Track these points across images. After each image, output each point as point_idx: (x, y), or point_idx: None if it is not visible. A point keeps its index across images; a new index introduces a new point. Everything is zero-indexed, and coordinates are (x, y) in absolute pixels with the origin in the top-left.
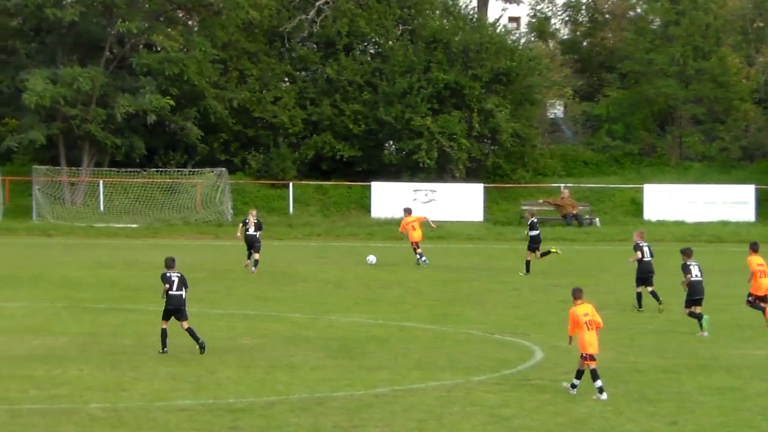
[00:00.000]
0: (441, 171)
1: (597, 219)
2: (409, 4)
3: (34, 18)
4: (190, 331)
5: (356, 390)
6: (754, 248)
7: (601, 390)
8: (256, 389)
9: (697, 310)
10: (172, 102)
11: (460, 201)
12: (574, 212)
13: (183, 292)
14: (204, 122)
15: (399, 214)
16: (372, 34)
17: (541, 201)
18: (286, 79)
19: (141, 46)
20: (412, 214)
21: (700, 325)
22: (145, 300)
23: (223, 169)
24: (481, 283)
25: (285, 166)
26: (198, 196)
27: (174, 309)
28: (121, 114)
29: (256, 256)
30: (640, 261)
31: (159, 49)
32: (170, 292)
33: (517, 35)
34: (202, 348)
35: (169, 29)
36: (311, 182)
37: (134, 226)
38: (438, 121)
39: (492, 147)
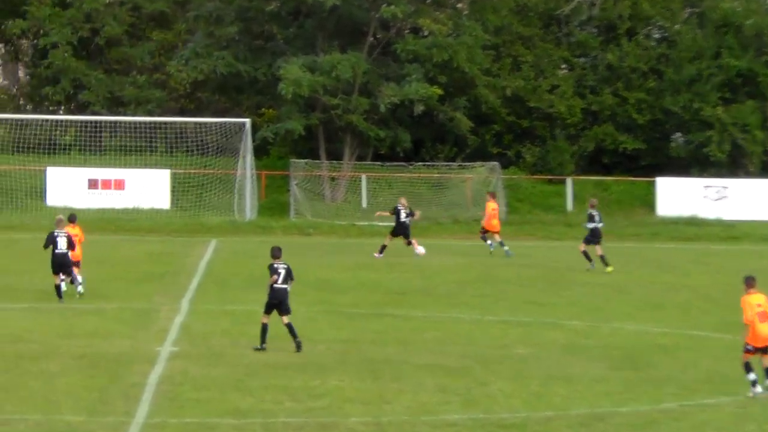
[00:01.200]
0: (733, 165)
1: None
2: None
3: (292, 1)
4: (289, 327)
5: (641, 405)
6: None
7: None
8: (530, 403)
9: None
10: (440, 91)
11: (755, 198)
12: None
13: (288, 286)
14: (474, 112)
15: (688, 212)
16: (657, 17)
17: None
18: (564, 65)
19: (406, 31)
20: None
21: None
22: (410, 305)
23: (496, 163)
24: None
25: (562, 159)
26: (468, 193)
27: (277, 302)
28: (385, 104)
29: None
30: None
31: (426, 34)
32: (275, 286)
33: None
34: (298, 347)
35: (437, 13)
36: (591, 177)
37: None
38: (729, 111)
39: None
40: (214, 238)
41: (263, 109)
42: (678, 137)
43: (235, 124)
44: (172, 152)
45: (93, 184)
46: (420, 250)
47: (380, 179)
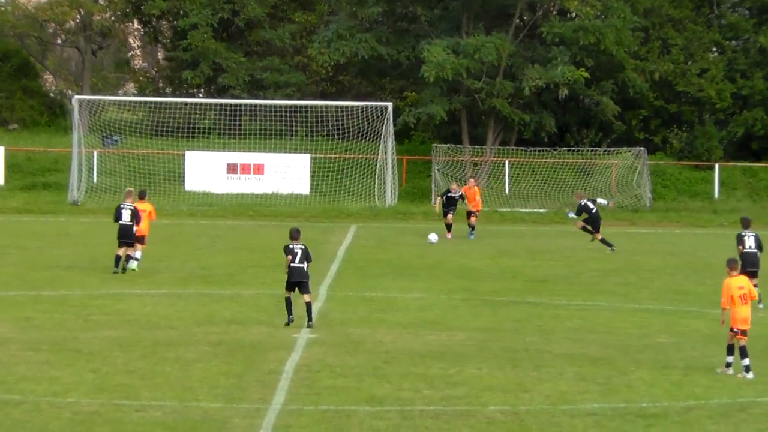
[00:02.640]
0: None
1: None
2: None
3: None
4: (308, 305)
5: None
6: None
7: (748, 369)
8: (671, 392)
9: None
10: (586, 74)
11: None
12: None
13: (305, 265)
14: (621, 97)
15: None
16: None
17: None
18: (714, 49)
19: (553, 13)
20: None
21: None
22: (552, 293)
23: (642, 148)
24: None
25: (710, 145)
26: (613, 179)
27: (296, 282)
28: (529, 87)
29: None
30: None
31: (573, 16)
32: (292, 265)
33: None
34: (309, 326)
35: None
36: (739, 163)
37: (541, 210)
38: None
39: None
40: (353, 224)
41: (405, 93)
42: None
43: (376, 108)
44: (312, 136)
45: (232, 168)
46: (433, 238)
47: (523, 164)
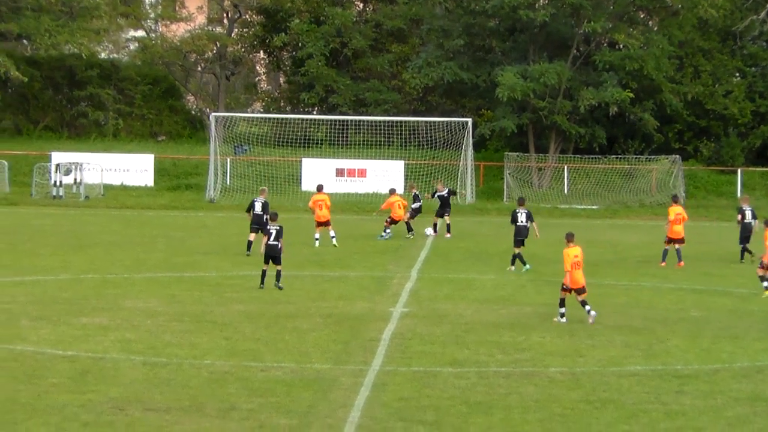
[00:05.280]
0: None
1: None
2: None
3: (509, 19)
4: (278, 273)
5: None
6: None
7: (589, 311)
8: (702, 357)
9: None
10: (631, 95)
11: None
12: None
13: (278, 243)
14: (660, 113)
15: None
16: None
17: None
18: (737, 74)
19: (604, 44)
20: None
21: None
22: (602, 275)
23: (677, 156)
24: None
25: (734, 153)
26: (653, 181)
27: (270, 256)
28: (584, 106)
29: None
30: None
31: (620, 46)
32: (268, 242)
33: None
34: (278, 287)
35: (631, 29)
36: (758, 168)
37: (595, 207)
38: None
39: None
40: (439, 219)
41: (482, 111)
42: None
43: (458, 122)
44: (405, 146)
45: (340, 172)
46: (429, 231)
47: (579, 169)
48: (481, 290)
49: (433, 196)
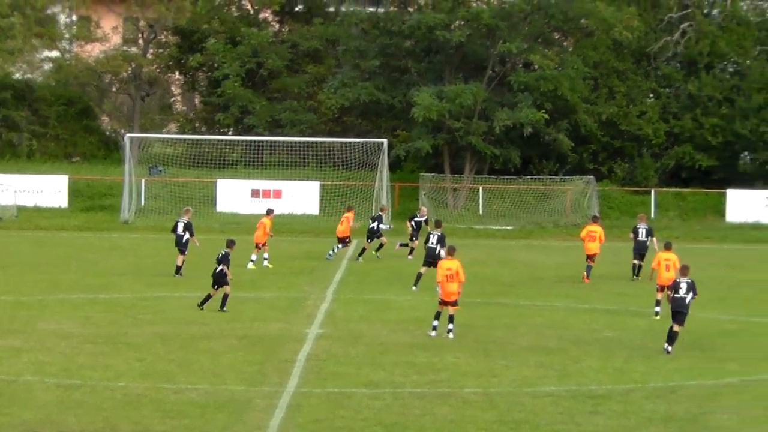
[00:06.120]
0: None
1: None
2: (767, 26)
3: (425, 40)
4: (225, 296)
5: (707, 380)
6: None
7: (450, 331)
8: (615, 377)
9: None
10: (546, 116)
11: None
12: None
13: (219, 267)
14: (575, 134)
15: (752, 218)
16: (731, 53)
17: None
18: (651, 95)
19: (519, 65)
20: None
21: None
22: (517, 295)
23: (592, 176)
24: None
25: (648, 174)
26: (568, 202)
27: (214, 282)
28: (499, 127)
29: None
30: None
31: (536, 67)
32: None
33: None
34: (222, 310)
35: (546, 50)
36: (671, 189)
37: (509, 228)
38: None
39: None
40: (355, 239)
41: (398, 131)
42: (746, 156)
43: (374, 143)
44: (321, 167)
45: (255, 193)
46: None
47: (494, 190)
48: (397, 311)
49: (410, 219)
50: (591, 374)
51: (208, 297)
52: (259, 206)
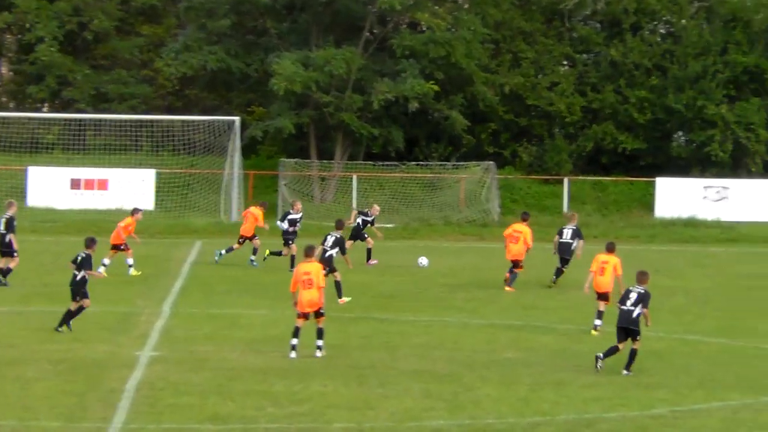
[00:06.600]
0: (735, 166)
1: None
2: None
3: None
4: (79, 308)
5: (631, 410)
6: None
7: (320, 348)
8: (518, 409)
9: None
10: (436, 88)
11: (757, 199)
12: None
13: (79, 274)
14: (471, 110)
15: (686, 213)
16: (663, 11)
17: None
18: (565, 62)
19: (404, 26)
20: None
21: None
22: (398, 308)
23: (491, 162)
24: None
25: (560, 159)
26: (462, 193)
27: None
28: (378, 101)
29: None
30: None
31: (424, 28)
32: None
33: None
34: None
35: (436, 6)
36: (589, 177)
37: (390, 225)
38: (734, 110)
39: None
40: (198, 240)
41: (253, 107)
42: (679, 136)
43: (223, 122)
44: (157, 151)
45: (75, 184)
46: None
47: (371, 179)
48: (249, 329)
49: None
50: (488, 405)
51: (69, 314)
52: (80, 200)
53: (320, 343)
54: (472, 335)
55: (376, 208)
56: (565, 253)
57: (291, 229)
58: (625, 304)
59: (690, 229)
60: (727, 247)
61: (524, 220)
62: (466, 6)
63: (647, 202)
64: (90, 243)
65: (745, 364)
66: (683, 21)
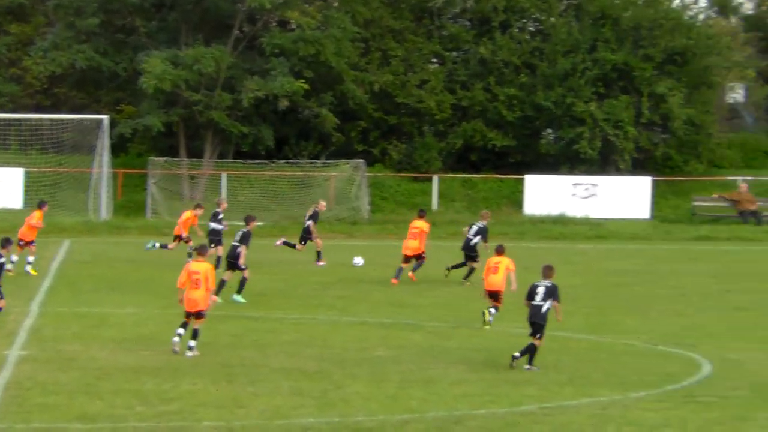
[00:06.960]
0: (604, 163)
1: None
2: None
3: None
4: None
5: (500, 407)
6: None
7: (191, 348)
8: (387, 406)
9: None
10: (306, 86)
11: (625, 196)
12: (753, 208)
13: None
14: (341, 108)
15: (555, 210)
16: (532, 9)
17: (715, 196)
18: (434, 60)
19: (273, 25)
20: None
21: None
22: (268, 306)
23: (361, 160)
24: (645, 287)
25: (429, 157)
26: (331, 191)
27: None
28: (248, 99)
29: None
30: None
31: (293, 27)
32: None
33: (695, 10)
34: None
35: (306, 5)
36: (458, 175)
37: (260, 224)
38: (603, 107)
39: (662, 135)
40: (67, 239)
41: (122, 106)
42: (548, 134)
43: (92, 120)
44: (26, 150)
45: None
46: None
47: (241, 177)
48: (118, 328)
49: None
50: (358, 402)
51: None
52: None
53: (192, 343)
54: (342, 333)
55: (323, 204)
56: (466, 248)
57: (221, 228)
58: (534, 299)
59: (559, 226)
60: (596, 243)
61: (421, 216)
62: (336, 4)
63: (516, 199)
64: (5, 243)
65: (613, 361)
66: (552, 19)
